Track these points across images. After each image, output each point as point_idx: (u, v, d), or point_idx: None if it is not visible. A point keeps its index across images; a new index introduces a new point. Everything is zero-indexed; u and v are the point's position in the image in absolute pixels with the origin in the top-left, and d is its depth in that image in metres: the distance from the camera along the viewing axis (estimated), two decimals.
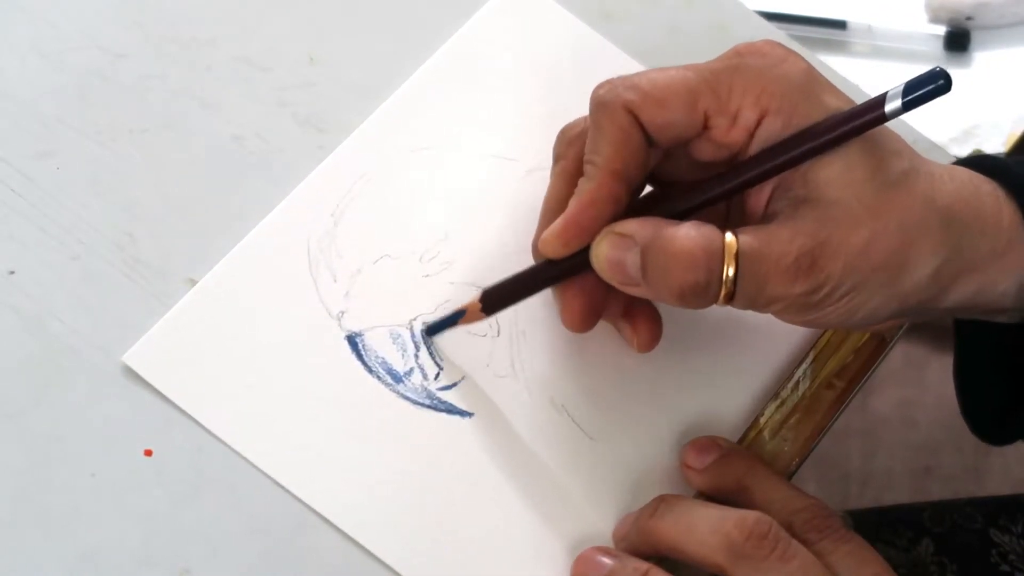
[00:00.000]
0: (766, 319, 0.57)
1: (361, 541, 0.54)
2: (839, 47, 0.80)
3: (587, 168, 0.52)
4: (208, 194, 0.59)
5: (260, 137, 0.60)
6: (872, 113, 0.49)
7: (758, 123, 0.51)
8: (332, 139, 0.61)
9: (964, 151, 0.73)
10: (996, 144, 0.75)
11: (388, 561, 0.53)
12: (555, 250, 0.52)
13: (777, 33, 0.67)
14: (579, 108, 0.62)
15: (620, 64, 0.64)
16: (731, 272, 0.49)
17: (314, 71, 0.62)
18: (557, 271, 0.53)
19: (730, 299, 0.50)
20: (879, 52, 0.80)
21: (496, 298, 0.55)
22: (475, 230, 0.60)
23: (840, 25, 0.80)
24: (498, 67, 0.63)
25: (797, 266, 0.49)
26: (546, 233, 0.52)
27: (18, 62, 0.60)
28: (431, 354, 0.57)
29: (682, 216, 0.52)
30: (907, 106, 0.48)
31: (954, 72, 0.49)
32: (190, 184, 0.59)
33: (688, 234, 0.49)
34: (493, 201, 0.61)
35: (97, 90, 0.60)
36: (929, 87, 0.48)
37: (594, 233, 0.51)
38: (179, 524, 0.53)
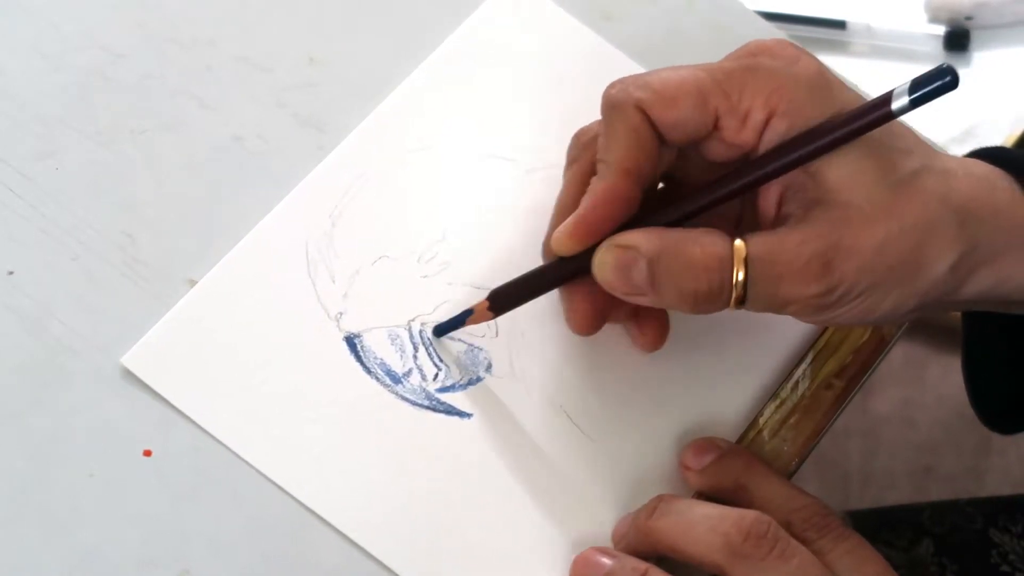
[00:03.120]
0: (765, 319, 0.57)
1: (360, 542, 0.54)
2: (839, 47, 0.80)
3: (600, 167, 0.52)
4: (208, 194, 0.59)
5: (260, 137, 0.60)
6: (878, 111, 0.49)
7: (765, 124, 0.51)
8: (332, 139, 0.61)
9: (964, 151, 0.73)
10: (995, 143, 0.75)
11: (387, 562, 0.53)
12: (567, 247, 0.52)
13: (777, 33, 0.67)
14: (578, 108, 0.62)
15: (618, 65, 0.64)
16: (741, 276, 0.49)
17: (314, 71, 0.62)
18: (566, 271, 0.53)
19: (741, 303, 0.50)
20: (878, 52, 0.80)
21: (505, 298, 0.55)
22: (473, 231, 0.60)
23: (839, 25, 0.80)
24: (496, 68, 0.63)
25: (809, 268, 0.49)
26: (558, 231, 0.52)
27: (18, 62, 0.60)
28: (430, 355, 0.57)
29: (690, 217, 0.52)
30: (914, 103, 0.48)
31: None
32: (190, 184, 0.59)
33: (697, 242, 0.50)
34: (491, 201, 0.61)
35: (97, 90, 0.60)
36: (936, 83, 0.47)
37: (606, 231, 0.51)
38: (178, 525, 0.53)
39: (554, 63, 0.64)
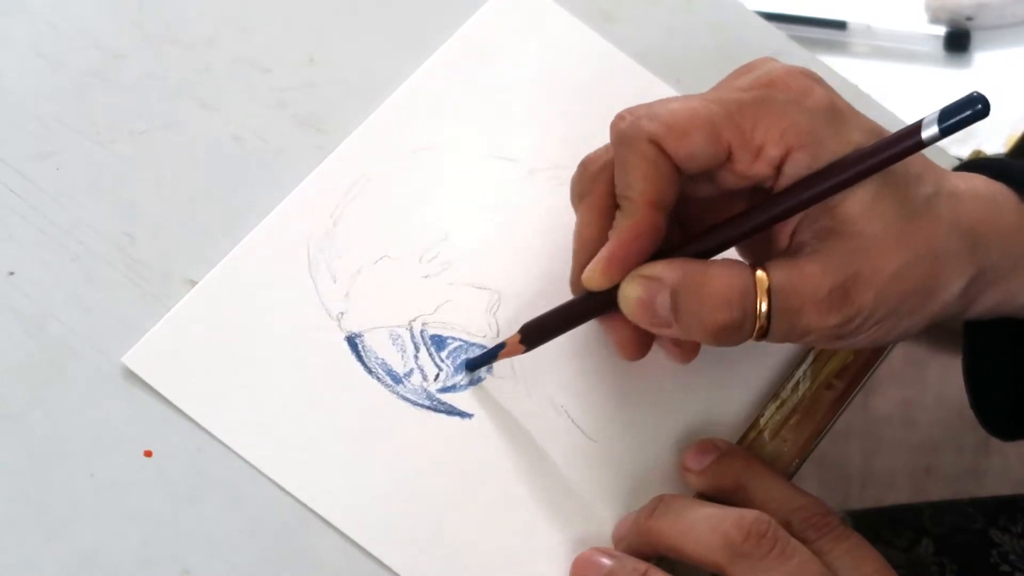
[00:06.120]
0: None
1: (361, 542, 0.54)
2: (839, 47, 0.80)
3: (623, 203, 0.52)
4: (208, 195, 0.59)
5: (260, 137, 0.60)
6: (908, 141, 0.49)
7: (782, 159, 0.51)
8: (332, 139, 0.61)
9: (964, 151, 0.73)
10: (996, 144, 0.75)
11: (387, 562, 0.53)
12: (598, 283, 0.52)
13: (777, 33, 0.67)
14: (579, 108, 0.62)
15: (619, 65, 0.64)
16: (764, 308, 0.50)
17: (314, 71, 0.62)
18: (596, 304, 0.53)
19: (764, 334, 0.51)
20: (879, 52, 0.80)
21: (537, 332, 0.55)
22: (475, 230, 0.60)
23: (840, 25, 0.80)
24: (498, 68, 0.63)
25: (830, 300, 0.49)
26: (590, 268, 0.52)
27: (18, 62, 0.60)
28: (431, 355, 0.57)
29: (719, 250, 0.52)
30: (944, 132, 0.48)
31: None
32: (190, 185, 0.59)
33: (720, 274, 0.50)
34: (493, 201, 0.61)
35: (97, 90, 0.60)
36: (967, 112, 0.47)
37: (636, 265, 0.51)
38: (179, 525, 0.53)
39: (555, 63, 0.64)
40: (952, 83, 0.78)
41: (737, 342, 0.51)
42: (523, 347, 0.55)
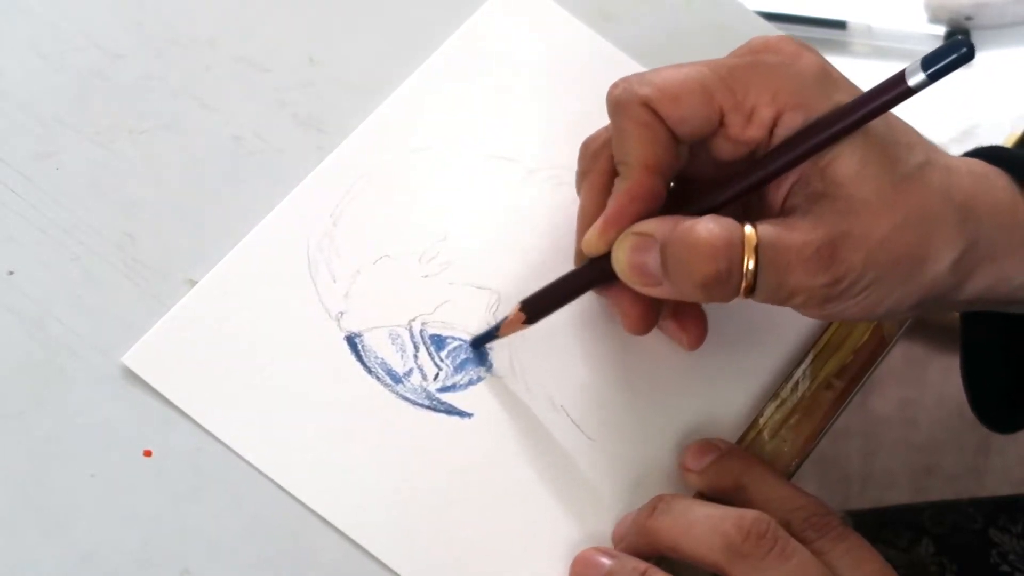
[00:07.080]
0: (766, 318, 0.57)
1: (360, 542, 0.54)
2: (839, 47, 0.80)
3: (620, 168, 0.52)
4: (208, 194, 0.59)
5: (260, 137, 0.60)
6: (897, 88, 0.49)
7: (775, 121, 0.51)
8: (331, 139, 0.61)
9: (964, 151, 0.73)
10: (996, 144, 0.75)
11: (387, 562, 0.53)
12: (596, 247, 0.52)
13: (777, 34, 0.67)
14: (579, 108, 0.62)
15: (619, 64, 0.64)
16: (751, 264, 0.49)
17: (314, 71, 0.62)
18: (595, 273, 0.53)
19: (751, 291, 0.50)
20: (879, 52, 0.80)
21: (537, 306, 0.55)
22: (474, 230, 0.60)
23: (840, 25, 0.80)
24: (497, 67, 0.63)
25: (818, 256, 0.49)
26: (588, 233, 0.52)
27: (18, 62, 0.60)
28: (431, 355, 0.57)
29: (714, 211, 0.52)
30: (932, 77, 0.48)
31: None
32: (190, 184, 0.59)
33: (707, 226, 0.50)
34: (492, 201, 0.61)
35: (97, 90, 0.60)
36: (952, 56, 0.47)
37: None
38: (179, 525, 0.53)
39: (555, 63, 0.64)
40: (952, 82, 0.78)
41: (725, 297, 0.50)
42: (524, 317, 0.55)
